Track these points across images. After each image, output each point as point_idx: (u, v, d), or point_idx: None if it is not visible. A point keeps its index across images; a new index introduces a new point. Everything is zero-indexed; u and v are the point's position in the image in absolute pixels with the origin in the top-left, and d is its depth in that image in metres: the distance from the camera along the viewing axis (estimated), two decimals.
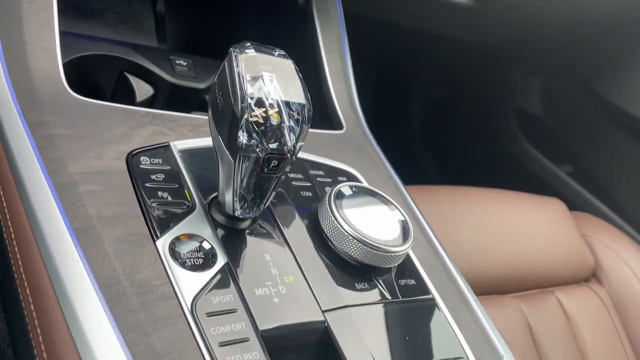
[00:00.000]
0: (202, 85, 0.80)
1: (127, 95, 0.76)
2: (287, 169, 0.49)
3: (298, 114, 0.47)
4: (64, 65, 0.60)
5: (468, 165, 1.82)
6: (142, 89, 0.77)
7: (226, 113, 0.46)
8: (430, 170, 1.91)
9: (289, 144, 0.47)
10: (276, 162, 0.47)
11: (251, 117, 0.45)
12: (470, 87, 1.79)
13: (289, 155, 0.47)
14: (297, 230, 0.57)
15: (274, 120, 0.46)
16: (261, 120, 0.45)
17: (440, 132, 1.93)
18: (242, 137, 0.46)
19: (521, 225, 1.17)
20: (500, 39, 1.48)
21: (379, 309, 0.54)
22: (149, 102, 0.77)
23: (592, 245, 1.24)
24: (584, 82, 1.53)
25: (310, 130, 0.76)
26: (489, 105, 1.75)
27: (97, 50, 0.75)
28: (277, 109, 0.46)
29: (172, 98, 0.78)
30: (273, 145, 0.46)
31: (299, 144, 0.48)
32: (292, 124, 0.47)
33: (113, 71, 0.77)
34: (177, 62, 0.80)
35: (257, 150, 0.46)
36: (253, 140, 0.46)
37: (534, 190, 1.28)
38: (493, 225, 1.13)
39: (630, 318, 1.19)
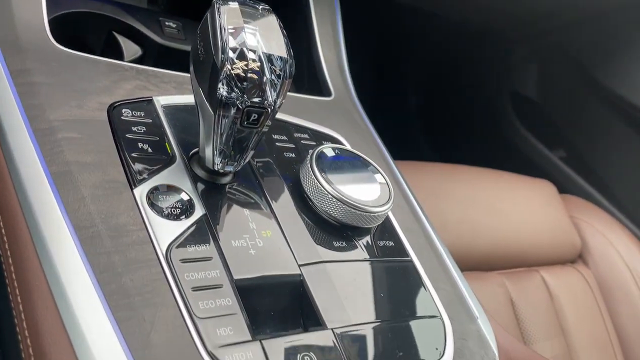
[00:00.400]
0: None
1: (115, 55, 0.76)
2: (267, 126, 0.49)
3: (280, 69, 0.47)
4: (52, 21, 0.60)
5: (461, 145, 1.82)
6: (130, 49, 0.76)
7: (207, 64, 0.46)
8: (423, 149, 1.91)
9: (270, 98, 0.47)
10: (256, 115, 0.47)
11: (232, 69, 0.45)
12: (467, 68, 1.79)
13: (269, 109, 0.47)
14: (278, 188, 0.57)
15: (255, 74, 0.45)
16: (242, 73, 0.45)
17: (435, 111, 1.92)
18: (222, 90, 0.46)
19: (510, 204, 1.17)
20: (496, 20, 1.47)
21: (356, 266, 0.55)
22: (137, 63, 0.77)
23: (579, 227, 1.25)
24: (580, 66, 1.52)
25: (297, 95, 0.76)
26: (485, 87, 1.74)
27: (86, 8, 0.75)
28: (258, 63, 0.46)
29: (161, 59, 0.77)
30: (254, 99, 0.46)
31: (280, 98, 0.48)
32: (273, 78, 0.47)
33: (102, 30, 0.77)
34: (167, 23, 0.79)
35: (237, 103, 0.46)
36: (233, 93, 0.46)
37: (526, 173, 1.28)
38: (482, 203, 1.13)
39: (615, 300, 1.20)
